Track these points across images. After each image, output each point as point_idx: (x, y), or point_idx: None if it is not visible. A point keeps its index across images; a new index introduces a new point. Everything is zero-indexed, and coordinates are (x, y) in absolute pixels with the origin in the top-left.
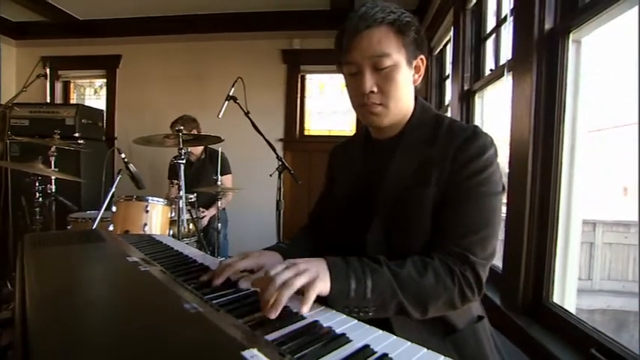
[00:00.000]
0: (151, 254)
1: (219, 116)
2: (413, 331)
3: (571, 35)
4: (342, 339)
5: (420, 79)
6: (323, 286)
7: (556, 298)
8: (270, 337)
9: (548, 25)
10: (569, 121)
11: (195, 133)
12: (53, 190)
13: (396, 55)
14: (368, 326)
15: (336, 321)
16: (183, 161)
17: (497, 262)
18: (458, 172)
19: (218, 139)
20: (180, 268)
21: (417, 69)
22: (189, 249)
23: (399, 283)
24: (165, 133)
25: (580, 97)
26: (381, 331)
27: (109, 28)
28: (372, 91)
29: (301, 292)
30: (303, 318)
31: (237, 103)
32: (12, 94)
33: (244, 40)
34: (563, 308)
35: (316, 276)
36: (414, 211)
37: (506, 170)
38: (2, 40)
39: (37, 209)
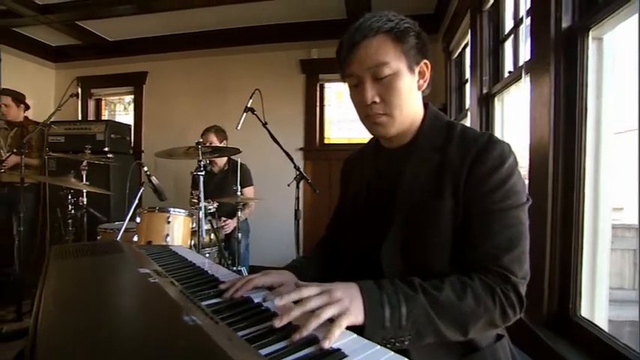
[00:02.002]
0: (164, 266)
1: (238, 128)
2: (428, 352)
3: (591, 33)
4: (337, 354)
5: (426, 84)
6: (354, 319)
7: (584, 312)
8: (264, 351)
9: (565, 24)
10: (593, 123)
11: (222, 144)
12: (85, 203)
13: (396, 63)
14: (366, 341)
15: None
16: (203, 173)
17: None
18: (479, 185)
19: (236, 151)
20: (190, 280)
21: (421, 74)
22: (203, 260)
23: (436, 308)
24: (185, 146)
25: (604, 97)
26: (378, 347)
27: (135, 47)
28: (375, 102)
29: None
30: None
31: (255, 115)
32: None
33: (263, 52)
34: (592, 323)
35: (348, 307)
36: (429, 224)
37: (527, 175)
38: (43, 63)
39: (70, 221)
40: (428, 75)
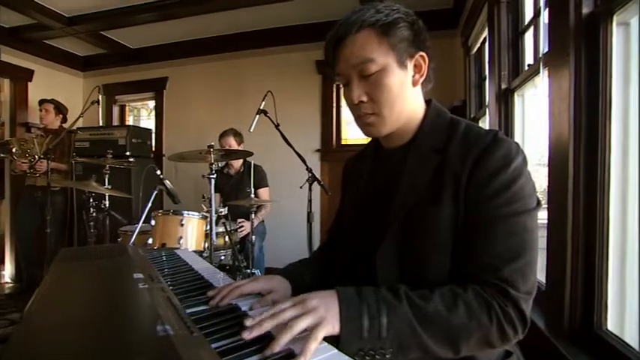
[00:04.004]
0: (163, 270)
1: (251, 130)
2: None
3: (615, 18)
4: None
5: (423, 79)
6: (330, 329)
7: (611, 325)
8: None
9: (586, 9)
10: (619, 117)
11: (240, 147)
12: (107, 206)
13: (383, 59)
14: (345, 358)
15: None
16: (214, 176)
17: (540, 276)
18: (481, 188)
19: (249, 153)
20: (184, 286)
21: (417, 68)
22: (204, 265)
23: (422, 320)
24: (197, 150)
25: (632, 89)
26: None
27: (156, 53)
28: (362, 101)
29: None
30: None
31: (268, 117)
32: (79, 120)
33: (279, 53)
34: (619, 338)
35: (324, 317)
36: (426, 230)
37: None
38: (72, 72)
39: (92, 223)
40: (425, 69)
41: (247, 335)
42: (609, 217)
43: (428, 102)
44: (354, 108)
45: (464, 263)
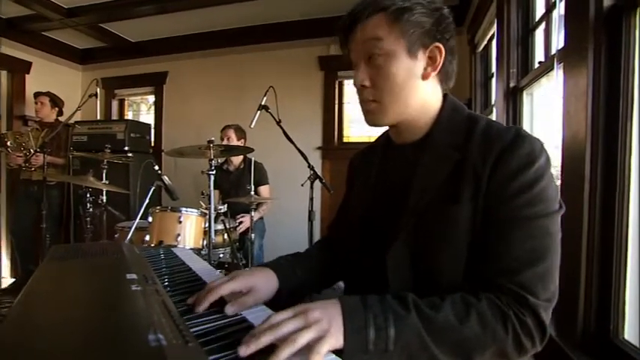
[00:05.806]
0: (159, 270)
1: (252, 126)
2: None
3: (639, 10)
4: None
5: (435, 72)
6: (334, 342)
7: (628, 335)
8: None
9: (608, 1)
10: None
11: (239, 142)
12: (104, 201)
13: (390, 44)
14: None
15: None
16: (213, 172)
17: None
18: (502, 187)
19: (249, 150)
20: (180, 288)
21: (431, 60)
22: (202, 265)
23: (432, 332)
24: (196, 145)
25: None
26: None
27: (156, 47)
28: (364, 85)
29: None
30: None
31: (269, 113)
32: (77, 114)
33: (281, 49)
34: (636, 348)
35: (327, 330)
36: (442, 231)
37: (559, 176)
38: (71, 65)
39: (88, 219)
40: (440, 62)
41: (244, 351)
42: (628, 221)
43: (444, 96)
44: (358, 92)
45: (479, 266)
